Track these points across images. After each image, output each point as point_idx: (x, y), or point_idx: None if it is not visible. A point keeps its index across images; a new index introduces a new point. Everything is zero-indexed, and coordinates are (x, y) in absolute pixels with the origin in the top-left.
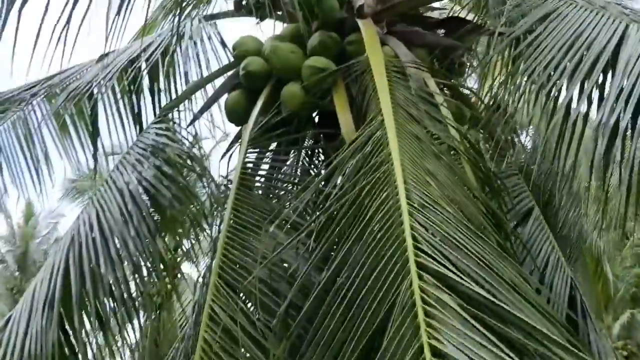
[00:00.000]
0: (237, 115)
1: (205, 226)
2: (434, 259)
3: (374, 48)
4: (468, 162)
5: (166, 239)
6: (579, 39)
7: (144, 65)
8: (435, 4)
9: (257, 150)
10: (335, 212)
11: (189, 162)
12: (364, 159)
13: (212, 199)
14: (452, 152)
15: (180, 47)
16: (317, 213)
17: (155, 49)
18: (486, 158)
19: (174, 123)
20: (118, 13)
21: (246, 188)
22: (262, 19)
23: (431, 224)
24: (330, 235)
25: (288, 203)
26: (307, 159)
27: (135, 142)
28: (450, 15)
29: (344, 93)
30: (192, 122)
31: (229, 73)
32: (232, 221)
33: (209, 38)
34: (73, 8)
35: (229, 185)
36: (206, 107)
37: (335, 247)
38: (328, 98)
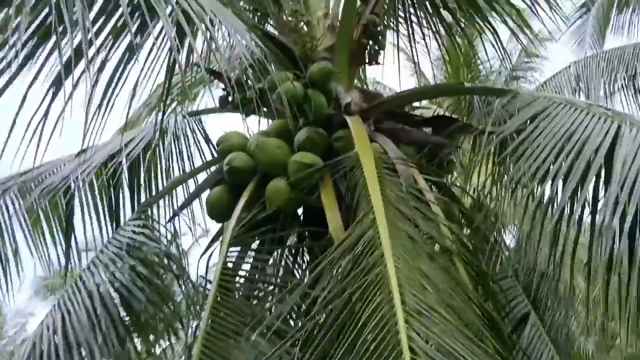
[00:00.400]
0: (219, 212)
1: (181, 331)
2: None
3: (363, 144)
4: (462, 263)
5: (137, 345)
6: (570, 139)
7: (124, 161)
8: (418, 103)
9: (239, 248)
10: (323, 319)
11: (166, 261)
12: (354, 260)
13: (189, 301)
14: (445, 252)
15: (163, 143)
16: (304, 319)
17: (137, 144)
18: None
19: (153, 220)
20: (98, 108)
21: (226, 290)
22: (248, 114)
23: (429, 333)
24: (319, 344)
25: (271, 307)
26: (291, 258)
27: (110, 240)
28: (436, 114)
29: (332, 190)
30: (171, 218)
31: (212, 168)
32: (209, 326)
33: (193, 134)
34: (51, 103)
35: (208, 287)
36: (187, 203)
37: (324, 358)
38: (315, 195)
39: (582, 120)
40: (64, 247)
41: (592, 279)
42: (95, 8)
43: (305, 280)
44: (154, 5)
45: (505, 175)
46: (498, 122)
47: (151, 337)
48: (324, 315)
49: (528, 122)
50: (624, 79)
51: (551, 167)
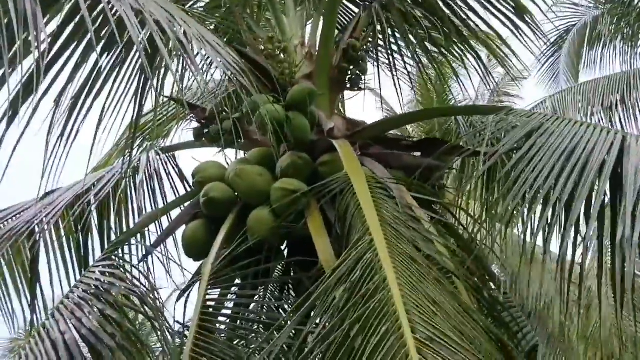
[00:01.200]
0: (196, 248)
1: None
2: None
3: (353, 164)
4: (468, 289)
5: None
6: (573, 153)
7: (92, 200)
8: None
9: (219, 286)
10: (320, 356)
11: (138, 303)
12: (352, 287)
13: (167, 347)
14: (447, 276)
15: (135, 182)
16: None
17: (106, 183)
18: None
19: (124, 260)
20: (60, 137)
21: (207, 331)
22: (225, 147)
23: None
24: None
25: (258, 348)
26: (277, 294)
27: (76, 284)
28: (424, 137)
29: (320, 217)
30: (144, 257)
31: (187, 203)
32: None
33: (167, 171)
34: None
35: (186, 332)
36: (161, 240)
37: None
38: (301, 223)
39: (583, 133)
40: (29, 299)
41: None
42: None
43: (296, 315)
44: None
45: (498, 206)
46: (489, 143)
47: None
48: (321, 352)
49: (524, 140)
50: (600, 112)
51: (552, 190)
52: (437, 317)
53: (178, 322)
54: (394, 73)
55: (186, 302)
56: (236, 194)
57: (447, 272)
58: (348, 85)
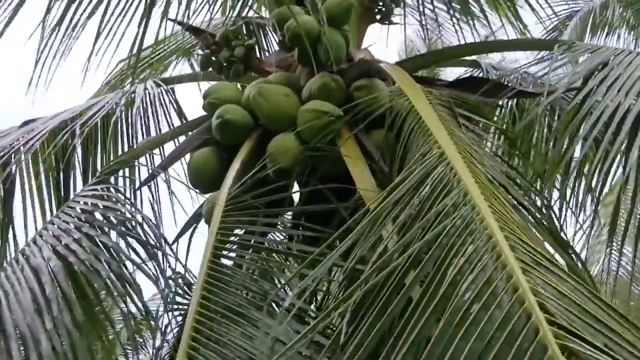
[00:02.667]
0: (206, 176)
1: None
2: (581, 339)
3: (407, 82)
4: (544, 230)
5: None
6: None
7: (78, 132)
8: None
9: (237, 213)
10: (376, 289)
11: (140, 232)
12: (419, 204)
13: (173, 281)
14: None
15: (128, 115)
16: (342, 290)
17: (95, 113)
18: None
19: (117, 190)
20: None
21: (220, 259)
22: (235, 77)
23: (555, 292)
24: (372, 323)
25: (286, 283)
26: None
27: (62, 210)
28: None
29: (355, 144)
30: (147, 180)
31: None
32: (201, 306)
33: (164, 106)
34: None
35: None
36: (165, 165)
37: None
38: (333, 154)
39: None
40: None
41: None
42: None
43: (343, 243)
44: None
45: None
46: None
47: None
48: (377, 284)
49: (596, 73)
50: None
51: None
52: (530, 244)
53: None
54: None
55: (191, 238)
56: (254, 120)
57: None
58: (378, 17)
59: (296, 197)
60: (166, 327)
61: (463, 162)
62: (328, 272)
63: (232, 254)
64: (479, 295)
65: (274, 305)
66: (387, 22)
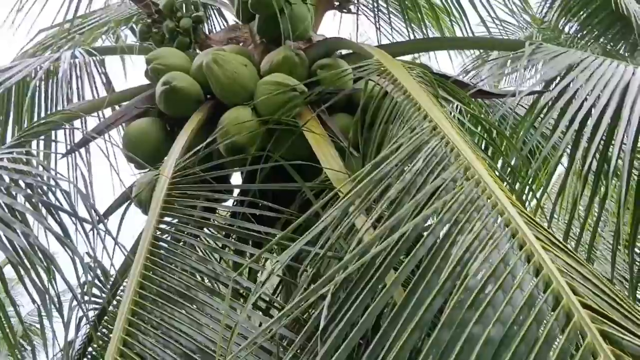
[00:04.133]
0: (145, 148)
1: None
2: (616, 324)
3: (388, 58)
4: None
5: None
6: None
7: None
8: None
9: (184, 186)
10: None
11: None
12: (412, 179)
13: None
14: None
15: (47, 84)
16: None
17: (8, 78)
18: None
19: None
20: None
21: (164, 244)
22: (180, 48)
23: (577, 272)
24: (360, 305)
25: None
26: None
27: None
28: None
29: (319, 124)
30: (78, 145)
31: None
32: (141, 287)
33: (90, 75)
34: None
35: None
36: (101, 130)
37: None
38: (292, 132)
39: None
40: None
41: None
42: None
43: (321, 221)
44: None
45: None
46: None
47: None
48: (358, 271)
49: (564, 72)
50: None
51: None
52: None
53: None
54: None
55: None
56: (205, 92)
57: None
58: (337, 4)
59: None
60: (80, 319)
61: (459, 137)
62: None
63: (178, 232)
64: (495, 275)
65: (222, 287)
66: (344, 10)
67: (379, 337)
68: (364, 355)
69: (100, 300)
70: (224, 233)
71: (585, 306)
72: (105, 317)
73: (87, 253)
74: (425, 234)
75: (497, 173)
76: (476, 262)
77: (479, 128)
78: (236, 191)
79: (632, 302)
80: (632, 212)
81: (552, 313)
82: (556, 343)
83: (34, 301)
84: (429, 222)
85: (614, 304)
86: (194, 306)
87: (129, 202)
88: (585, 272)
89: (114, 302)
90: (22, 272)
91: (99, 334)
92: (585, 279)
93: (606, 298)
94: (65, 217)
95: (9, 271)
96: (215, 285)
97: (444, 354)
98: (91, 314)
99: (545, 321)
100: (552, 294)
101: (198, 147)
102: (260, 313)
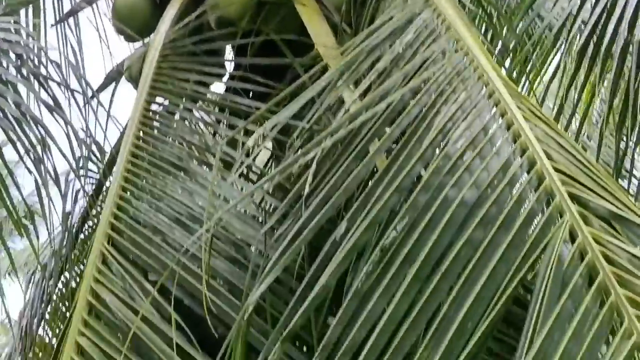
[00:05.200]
0: (134, 20)
1: None
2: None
3: None
4: None
5: None
6: None
7: None
8: None
9: (174, 62)
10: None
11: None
12: (402, 51)
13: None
14: None
15: None
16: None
17: None
18: None
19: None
20: None
21: (155, 115)
22: None
23: (556, 142)
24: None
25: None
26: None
27: None
28: None
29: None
30: (69, 15)
31: None
32: (133, 155)
33: None
34: None
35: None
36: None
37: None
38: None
39: None
40: None
41: None
42: None
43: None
44: None
45: None
46: None
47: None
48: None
49: None
50: None
51: None
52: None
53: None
54: None
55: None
56: None
57: None
58: None
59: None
60: (77, 192)
61: (453, 11)
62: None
63: (169, 105)
64: (474, 143)
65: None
66: None
67: (361, 201)
68: (344, 219)
69: (97, 175)
70: (214, 107)
71: (558, 170)
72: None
73: (81, 128)
74: (411, 102)
75: (494, 56)
76: (458, 130)
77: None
78: (228, 69)
79: (605, 171)
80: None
81: (526, 176)
82: (526, 204)
83: (30, 171)
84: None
85: (587, 171)
86: (186, 176)
87: (120, 75)
88: (563, 142)
89: (110, 178)
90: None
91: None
92: (561, 147)
93: (579, 165)
94: (57, 92)
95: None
96: (208, 157)
97: (420, 215)
98: (88, 188)
99: (518, 184)
100: (527, 160)
101: (188, 19)
102: (252, 185)
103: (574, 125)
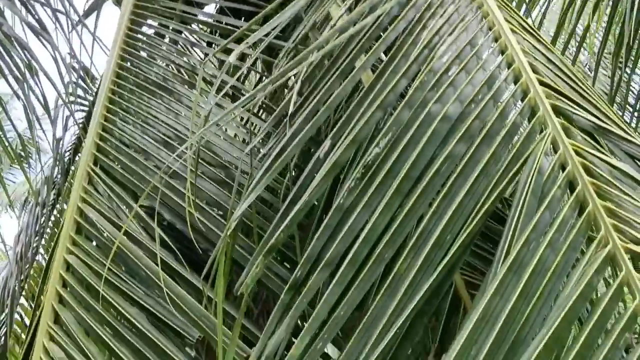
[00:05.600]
0: None
1: None
2: (572, 101)
3: None
4: None
5: None
6: None
7: None
8: None
9: None
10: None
11: None
12: None
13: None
14: None
15: None
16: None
17: None
18: None
19: None
20: None
21: (140, 35)
22: None
23: (544, 56)
24: (331, 88)
25: None
26: None
27: None
28: None
29: None
30: None
31: None
32: (118, 76)
33: None
34: None
35: None
36: None
37: None
38: None
39: None
40: None
41: None
42: None
43: None
44: None
45: None
46: None
47: None
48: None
49: None
50: None
51: None
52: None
53: None
54: None
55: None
56: None
57: None
58: None
59: None
60: (67, 118)
61: None
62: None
63: (154, 23)
64: (460, 57)
65: (198, 79)
66: None
67: (345, 118)
68: (328, 137)
69: (86, 102)
70: (202, 28)
71: (543, 84)
72: None
73: (69, 53)
74: (398, 17)
75: None
76: (444, 45)
77: None
78: None
79: (594, 89)
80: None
81: (510, 89)
82: (510, 117)
83: (18, 97)
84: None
85: (574, 85)
86: (172, 97)
87: None
88: (551, 56)
89: None
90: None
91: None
92: (549, 61)
93: (566, 79)
94: (43, 15)
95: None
96: (195, 79)
97: (404, 130)
98: (78, 115)
99: (502, 99)
100: (513, 73)
101: None
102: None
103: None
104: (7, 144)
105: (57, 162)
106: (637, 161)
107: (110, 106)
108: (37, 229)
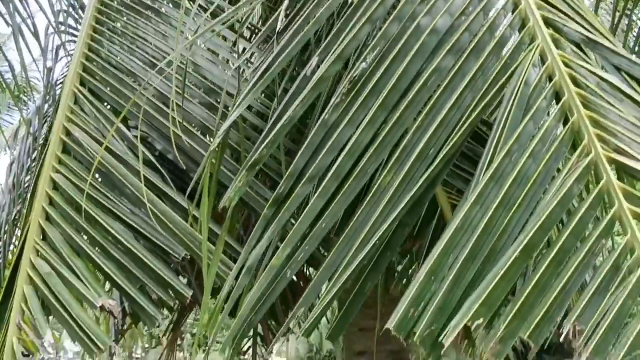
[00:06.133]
0: None
1: None
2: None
3: None
4: None
5: None
6: None
7: None
8: None
9: None
10: None
11: None
12: None
13: None
14: None
15: None
16: None
17: None
18: None
19: None
20: None
21: None
22: None
23: None
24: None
25: None
26: None
27: None
28: None
29: None
30: None
31: None
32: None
33: None
34: None
35: None
36: None
37: None
38: None
39: None
40: None
41: None
42: None
43: None
44: None
45: None
46: None
47: None
48: None
49: None
50: None
51: None
52: None
53: None
54: None
55: None
56: None
57: None
58: None
59: None
60: (57, 47)
61: None
62: None
63: None
64: None
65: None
66: None
67: (334, 34)
68: (315, 53)
69: (77, 33)
70: None
71: None
72: None
73: None
74: None
75: None
76: None
77: None
78: None
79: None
80: None
81: (501, 1)
82: (498, 31)
83: (7, 23)
84: None
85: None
86: (159, 19)
87: None
88: None
89: None
90: None
91: None
92: None
93: None
94: None
95: None
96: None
97: (392, 44)
98: (70, 46)
99: (493, 10)
100: None
101: None
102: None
103: None
104: (4, 85)
105: (48, 92)
106: (625, 74)
107: (97, 26)
108: (28, 160)
